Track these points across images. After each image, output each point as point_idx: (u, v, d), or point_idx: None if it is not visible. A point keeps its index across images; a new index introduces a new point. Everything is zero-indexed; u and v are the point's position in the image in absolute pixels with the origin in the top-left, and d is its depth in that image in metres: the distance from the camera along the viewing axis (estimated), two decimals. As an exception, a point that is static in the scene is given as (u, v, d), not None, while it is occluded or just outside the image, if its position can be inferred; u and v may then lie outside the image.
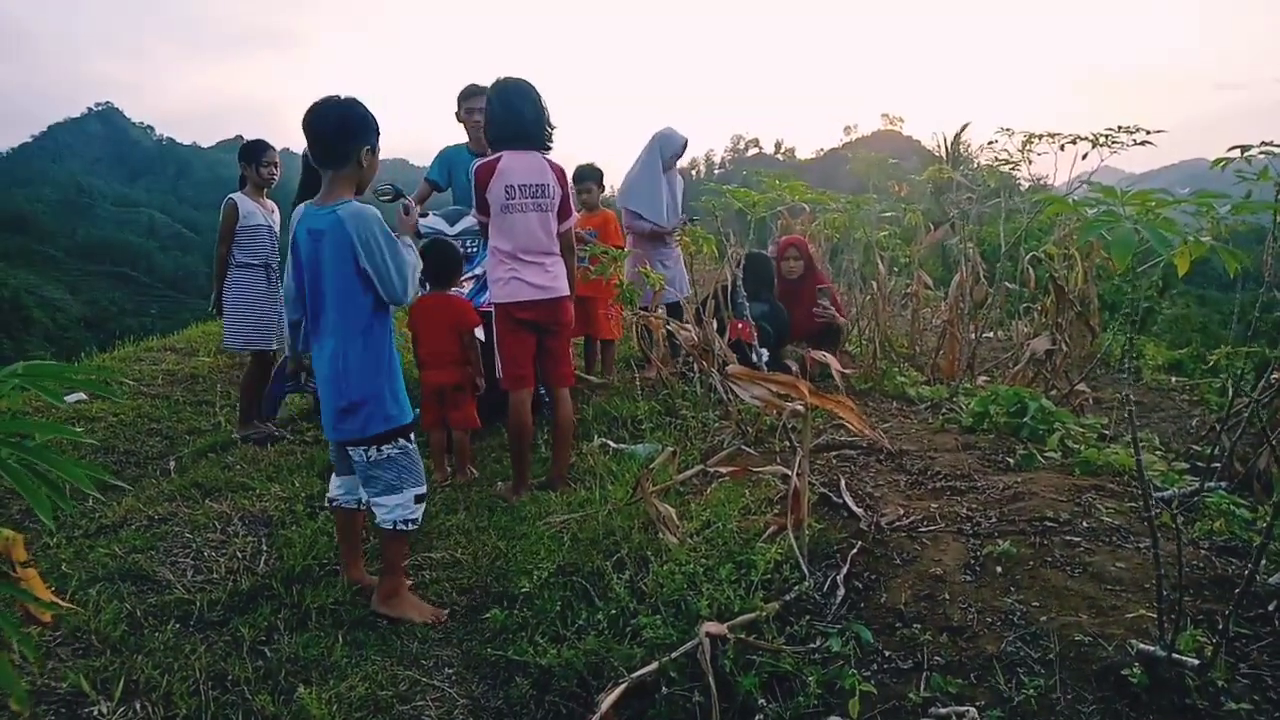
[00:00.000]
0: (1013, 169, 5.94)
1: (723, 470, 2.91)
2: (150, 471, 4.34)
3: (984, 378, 6.92)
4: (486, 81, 3.97)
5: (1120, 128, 4.47)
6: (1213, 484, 3.11)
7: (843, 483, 3.28)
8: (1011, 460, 3.54)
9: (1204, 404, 7.34)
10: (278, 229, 5.04)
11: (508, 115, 3.70)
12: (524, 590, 2.76)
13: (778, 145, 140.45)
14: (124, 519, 3.53)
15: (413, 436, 2.87)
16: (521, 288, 3.73)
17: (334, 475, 3.01)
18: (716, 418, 4.50)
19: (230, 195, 4.91)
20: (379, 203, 5.35)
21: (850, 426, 2.87)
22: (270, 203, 5.08)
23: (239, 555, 3.18)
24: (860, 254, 8.82)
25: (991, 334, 8.42)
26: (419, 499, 2.86)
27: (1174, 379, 8.30)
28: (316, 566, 3.10)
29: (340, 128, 2.69)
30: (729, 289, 5.13)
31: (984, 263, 7.64)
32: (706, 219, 6.21)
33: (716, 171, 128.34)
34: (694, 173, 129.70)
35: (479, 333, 4.23)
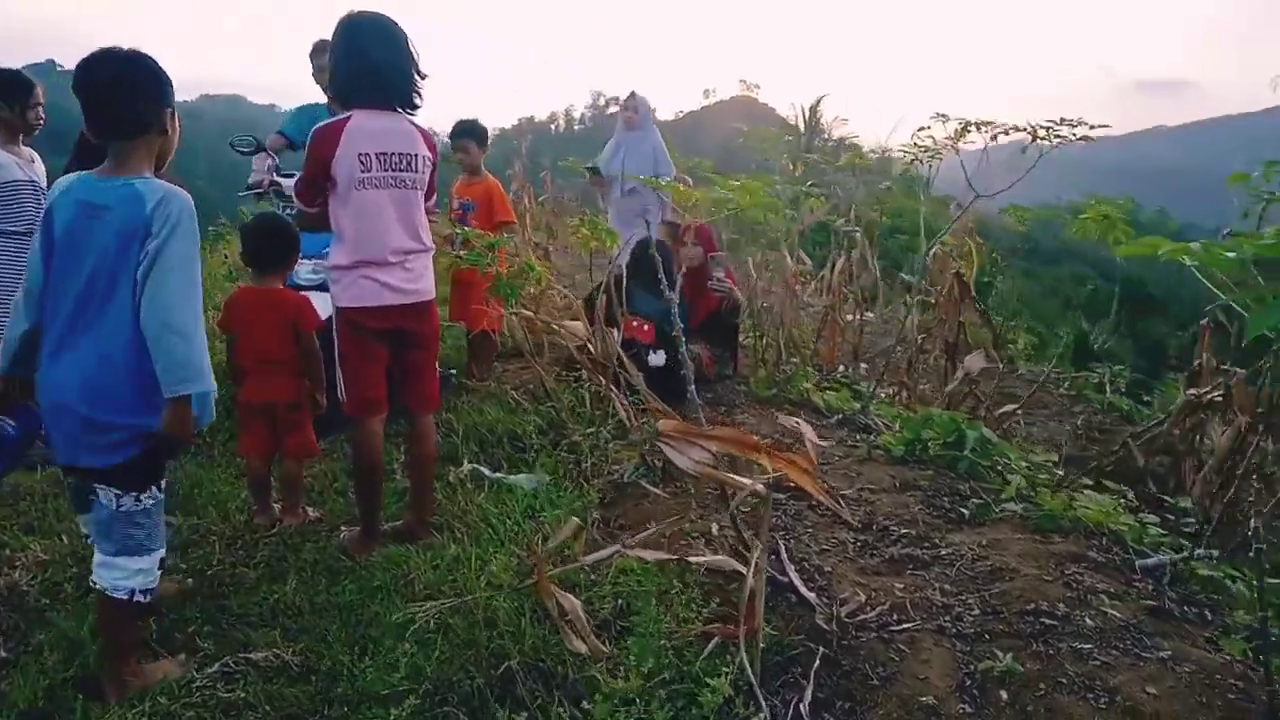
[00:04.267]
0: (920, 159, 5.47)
1: (648, 556, 2.21)
2: None
3: (864, 365, 6.58)
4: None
5: (1063, 120, 4.05)
6: (1202, 551, 2.69)
7: (782, 550, 2.66)
8: (965, 511, 3.03)
9: (1083, 400, 7.28)
10: (44, 183, 3.92)
11: (361, 61, 2.80)
12: (378, 732, 1.99)
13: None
14: None
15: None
16: (372, 289, 2.87)
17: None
18: (610, 437, 3.80)
19: None
20: (237, 155, 4.38)
21: (810, 491, 2.24)
22: (27, 151, 3.94)
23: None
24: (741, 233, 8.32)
25: (872, 314, 8.10)
26: (161, 561, 2.34)
27: (1037, 368, 8.13)
28: (68, 691, 2.21)
29: (135, 88, 2.13)
30: (621, 280, 4.42)
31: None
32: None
33: (577, 128, 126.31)
34: (553, 127, 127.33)
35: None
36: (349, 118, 2.79)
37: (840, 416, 4.47)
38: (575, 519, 2.33)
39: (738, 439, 2.18)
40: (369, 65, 2.81)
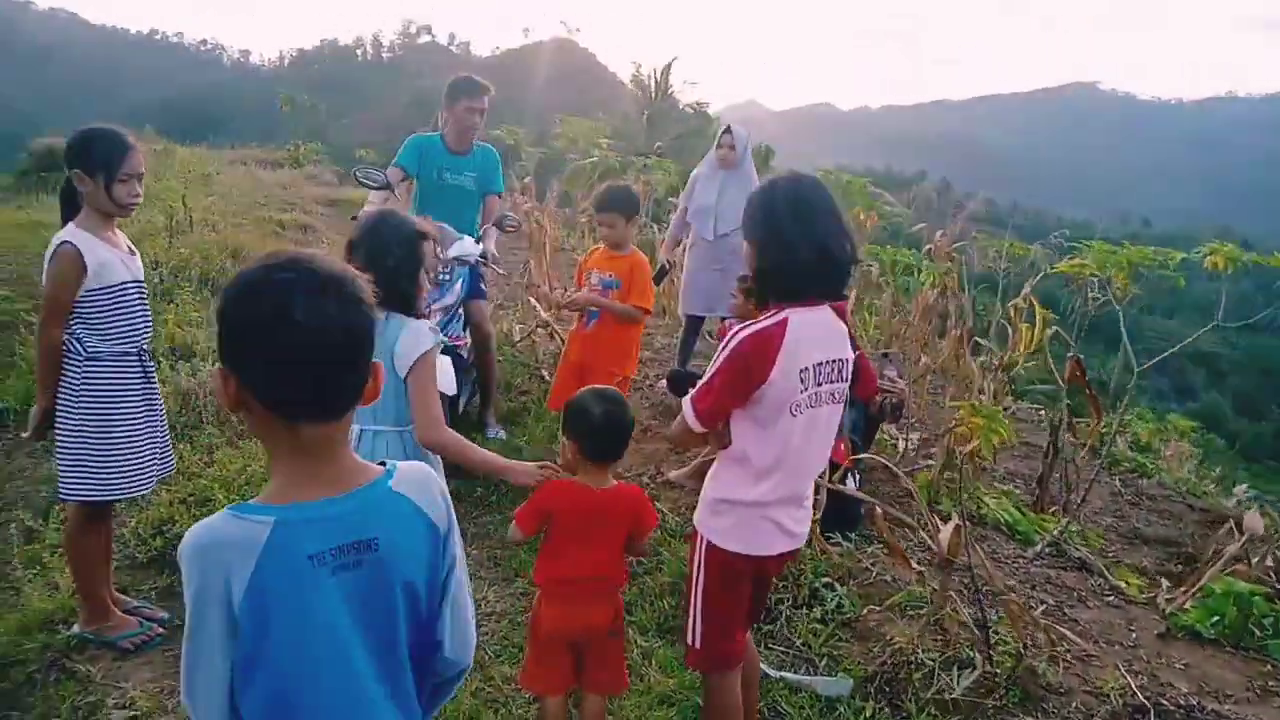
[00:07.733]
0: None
1: None
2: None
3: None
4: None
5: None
6: None
7: None
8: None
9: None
10: (142, 277, 2.82)
11: (815, 249, 2.08)
12: None
13: (451, 37, 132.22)
14: None
15: None
16: (770, 535, 2.19)
17: None
18: (856, 594, 3.19)
19: (61, 236, 2.58)
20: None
21: None
22: (124, 238, 2.81)
23: None
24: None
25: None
26: None
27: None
28: None
29: None
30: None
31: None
32: None
33: (385, 55, 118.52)
34: (359, 53, 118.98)
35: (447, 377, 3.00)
36: (784, 321, 2.05)
37: (1046, 541, 4.03)
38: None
39: None
40: (823, 255, 2.08)
